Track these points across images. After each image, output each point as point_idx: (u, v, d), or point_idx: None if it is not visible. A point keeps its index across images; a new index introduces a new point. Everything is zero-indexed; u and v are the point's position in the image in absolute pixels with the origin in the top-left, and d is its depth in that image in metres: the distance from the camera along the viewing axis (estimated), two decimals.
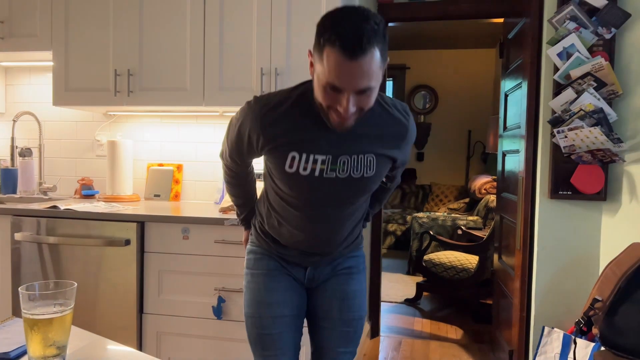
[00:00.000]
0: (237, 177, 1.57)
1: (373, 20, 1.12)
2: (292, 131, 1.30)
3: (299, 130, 1.30)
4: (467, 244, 4.24)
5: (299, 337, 1.54)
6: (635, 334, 1.92)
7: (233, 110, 2.64)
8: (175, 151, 2.87)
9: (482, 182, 5.48)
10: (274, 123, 1.30)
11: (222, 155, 1.56)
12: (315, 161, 1.30)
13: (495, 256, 3.28)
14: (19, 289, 0.95)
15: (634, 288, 1.96)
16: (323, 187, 1.34)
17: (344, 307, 1.54)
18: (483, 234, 4.31)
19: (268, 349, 1.48)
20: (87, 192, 2.80)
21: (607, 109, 2.22)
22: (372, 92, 1.18)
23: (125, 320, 2.22)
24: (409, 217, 6.07)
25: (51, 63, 2.58)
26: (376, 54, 1.12)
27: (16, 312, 2.30)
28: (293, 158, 1.30)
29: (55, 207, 2.32)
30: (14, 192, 2.90)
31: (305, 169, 1.31)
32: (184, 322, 2.19)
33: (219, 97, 2.40)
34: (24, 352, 1.01)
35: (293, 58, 2.32)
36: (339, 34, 1.09)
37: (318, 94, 1.21)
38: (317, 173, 1.31)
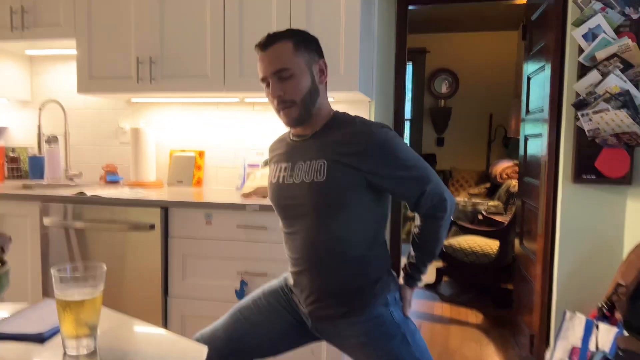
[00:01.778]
0: None
1: (286, 29, 1.39)
2: (276, 149, 1.54)
3: (279, 148, 1.53)
4: (488, 229, 4.22)
5: (255, 342, 1.51)
6: None
7: (253, 96, 2.66)
8: (197, 138, 2.90)
9: (503, 166, 5.42)
10: (271, 148, 1.60)
11: None
12: (280, 169, 1.47)
13: (517, 241, 3.26)
14: (52, 269, 0.98)
15: None
16: (285, 194, 1.44)
17: None
18: (504, 219, 4.28)
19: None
20: (111, 178, 2.86)
21: (633, 91, 2.17)
22: (293, 78, 1.35)
23: (150, 303, 2.28)
24: None
25: (75, 52, 2.63)
26: (287, 44, 1.34)
27: (46, 294, 2.38)
28: (271, 170, 1.52)
29: (82, 193, 2.38)
30: (42, 178, 2.97)
31: (275, 177, 1.48)
32: (208, 305, 2.23)
33: (240, 83, 2.41)
34: (57, 332, 1.05)
35: None
36: (258, 42, 1.39)
37: (271, 104, 1.42)
38: (280, 180, 1.45)
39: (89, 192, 2.39)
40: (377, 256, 1.44)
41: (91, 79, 2.61)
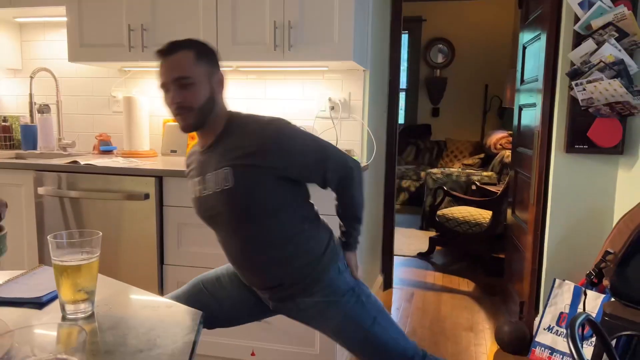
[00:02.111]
0: None
1: (188, 39, 1.41)
2: (190, 164, 1.54)
3: (192, 162, 1.53)
4: (481, 199, 4.26)
5: (216, 305, 1.57)
6: None
7: (247, 65, 2.63)
8: None
9: (497, 137, 5.44)
10: (187, 160, 1.58)
11: None
12: (194, 184, 1.49)
13: (509, 211, 3.30)
14: (48, 237, 1.00)
15: None
16: (205, 206, 1.47)
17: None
18: (497, 189, 4.31)
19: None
20: (105, 147, 2.85)
21: (628, 60, 2.17)
22: (193, 87, 1.36)
23: (146, 271, 2.30)
24: (422, 173, 6.07)
25: (65, 18, 2.58)
26: (188, 53, 1.37)
27: (43, 261, 2.40)
28: (189, 185, 1.52)
29: (75, 162, 2.37)
30: (34, 148, 2.96)
31: (193, 192, 1.50)
32: (203, 272, 2.26)
33: (233, 51, 2.39)
34: (55, 297, 1.07)
35: (307, 11, 2.29)
36: (159, 49, 1.39)
37: (166, 107, 1.42)
38: (197, 194, 1.47)
39: (83, 162, 2.38)
40: (313, 233, 1.48)
41: (82, 47, 2.58)
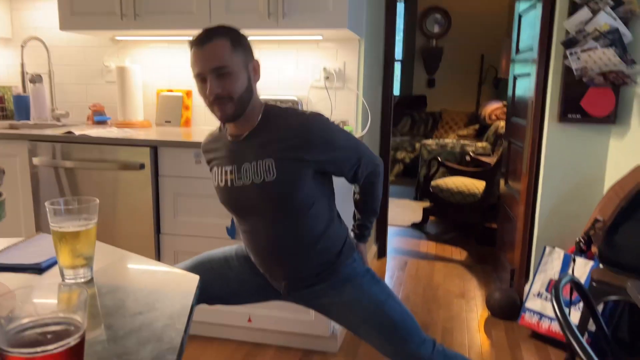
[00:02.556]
0: None
1: (223, 26, 1.39)
2: (214, 151, 1.51)
3: (217, 150, 1.50)
4: (475, 169, 4.29)
5: (218, 284, 1.59)
6: (633, 252, 1.99)
7: None
8: (184, 77, 2.86)
9: (492, 108, 5.44)
10: (205, 149, 1.56)
11: None
12: (225, 172, 1.45)
13: (502, 181, 3.33)
14: (46, 203, 1.01)
15: (635, 208, 2.01)
16: (237, 196, 1.45)
17: (352, 322, 1.51)
18: (491, 160, 4.34)
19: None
20: (99, 118, 2.84)
21: (622, 29, 2.17)
22: (232, 76, 1.35)
23: (143, 241, 2.33)
24: (417, 145, 6.09)
25: None
26: (224, 42, 1.34)
27: (39, 230, 2.41)
28: (215, 173, 1.50)
29: (70, 132, 2.37)
30: (28, 118, 2.94)
31: (221, 180, 1.47)
32: (200, 241, 2.29)
33: (226, 19, 2.36)
34: (54, 263, 1.09)
35: None
36: (193, 37, 1.38)
37: (201, 97, 1.40)
38: (229, 183, 1.45)
39: (77, 132, 2.38)
40: (336, 227, 1.52)
41: (73, 15, 2.54)
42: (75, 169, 2.36)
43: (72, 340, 0.58)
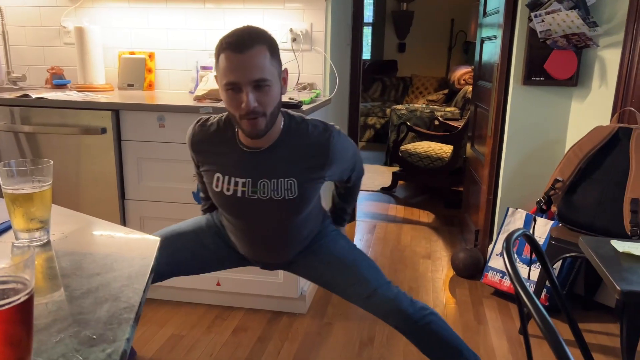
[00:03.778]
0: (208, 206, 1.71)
1: (259, 29, 1.28)
2: (215, 154, 1.42)
3: (222, 154, 1.40)
4: (443, 133, 4.33)
5: (188, 254, 1.59)
6: (589, 211, 2.06)
7: None
8: (146, 39, 2.77)
9: (461, 72, 5.46)
10: (199, 147, 1.44)
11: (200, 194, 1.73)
12: (236, 183, 1.39)
13: (468, 145, 3.38)
14: None
15: (593, 168, 2.07)
16: (248, 207, 1.42)
17: (334, 274, 1.55)
18: (459, 124, 4.39)
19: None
20: (58, 81, 2.74)
21: None
22: (270, 89, 1.25)
23: (108, 206, 2.30)
24: (388, 110, 6.10)
25: None
26: (264, 50, 1.23)
27: None
28: (217, 179, 1.41)
29: (26, 95, 2.29)
30: None
31: (228, 190, 1.40)
32: (166, 206, 2.27)
33: None
34: (9, 227, 1.06)
35: None
36: (227, 38, 1.25)
37: (227, 106, 1.29)
38: (239, 194, 1.40)
39: (35, 95, 2.30)
40: (322, 212, 1.64)
41: None
42: (35, 134, 2.28)
43: (20, 297, 0.57)
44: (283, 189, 1.37)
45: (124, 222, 2.32)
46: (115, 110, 2.21)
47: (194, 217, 1.69)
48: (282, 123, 1.38)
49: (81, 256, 0.98)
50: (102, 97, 2.36)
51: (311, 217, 1.54)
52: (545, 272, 1.15)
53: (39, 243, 1.01)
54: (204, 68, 2.56)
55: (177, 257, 1.56)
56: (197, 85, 2.60)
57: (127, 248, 1.05)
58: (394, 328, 1.48)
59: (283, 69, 1.34)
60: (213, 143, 1.43)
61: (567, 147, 2.51)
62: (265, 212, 1.44)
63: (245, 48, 1.22)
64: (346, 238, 1.65)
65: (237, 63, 1.22)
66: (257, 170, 1.38)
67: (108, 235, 1.13)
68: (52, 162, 1.03)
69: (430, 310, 1.48)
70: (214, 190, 1.45)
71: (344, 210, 1.76)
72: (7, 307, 0.56)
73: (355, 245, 1.62)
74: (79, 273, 0.90)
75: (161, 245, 1.04)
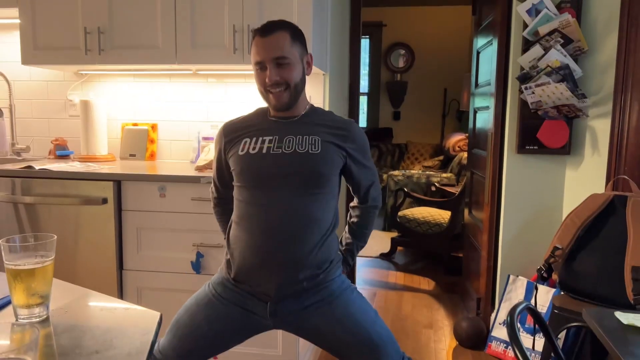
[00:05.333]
0: (221, 206, 1.69)
1: (284, 20, 1.51)
2: (245, 128, 1.56)
3: (252, 125, 1.56)
4: (440, 199, 4.36)
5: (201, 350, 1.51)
6: (590, 279, 2.05)
7: (206, 69, 2.63)
8: (150, 110, 2.86)
9: (456, 139, 5.58)
10: (231, 129, 1.58)
11: (211, 191, 1.72)
12: (263, 141, 1.50)
13: (466, 211, 3.40)
14: (0, 241, 0.99)
15: (591, 236, 2.08)
16: (269, 163, 1.47)
17: (340, 336, 1.47)
18: (456, 190, 4.43)
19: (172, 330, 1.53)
20: (61, 152, 2.79)
21: (572, 65, 2.28)
22: (291, 66, 1.47)
23: (105, 277, 2.27)
24: (385, 176, 6.17)
25: (18, 20, 2.52)
26: (286, 34, 1.46)
27: None
28: (245, 143, 1.52)
29: (30, 167, 2.32)
30: None
31: (254, 148, 1.49)
32: (164, 277, 2.25)
33: (192, 54, 2.39)
34: (9, 302, 1.05)
35: (265, 15, 2.31)
36: (258, 27, 1.50)
37: (257, 83, 1.51)
38: (264, 150, 1.48)
39: (38, 167, 2.33)
40: (335, 237, 1.57)
41: (36, 50, 2.52)
42: (35, 205, 2.30)
43: None
44: (308, 143, 1.47)
45: (121, 293, 2.29)
46: (117, 181, 2.24)
47: (190, 303, 1.58)
48: (308, 106, 1.59)
49: (80, 332, 0.96)
50: (104, 168, 2.40)
51: (328, 216, 1.48)
52: (550, 345, 1.13)
53: (38, 319, 0.99)
54: (205, 139, 2.62)
55: (197, 349, 1.50)
56: (198, 156, 2.65)
57: (128, 322, 1.03)
58: None
59: (309, 57, 1.56)
60: (244, 124, 1.58)
61: (564, 214, 2.53)
62: (286, 169, 1.44)
63: (269, 32, 1.46)
64: (366, 300, 1.56)
65: (262, 45, 1.46)
66: (283, 131, 1.51)
67: (108, 309, 1.12)
68: (55, 237, 1.04)
69: None
70: (239, 156, 1.50)
71: (350, 250, 1.68)
72: None
73: (376, 310, 1.54)
74: (77, 351, 0.88)
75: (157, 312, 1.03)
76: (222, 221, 1.70)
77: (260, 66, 1.48)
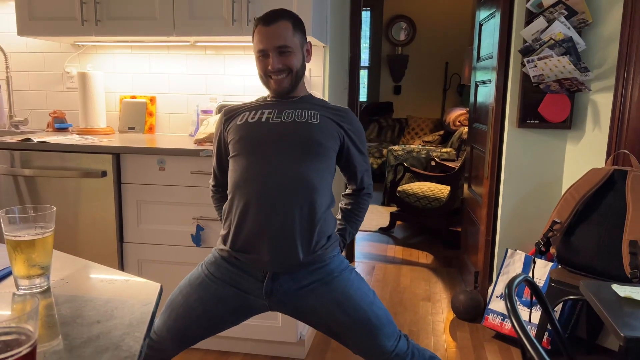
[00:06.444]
0: (220, 193, 1.69)
1: (285, 9, 1.55)
2: (245, 108, 1.60)
3: (252, 105, 1.61)
4: (440, 174, 4.36)
5: (196, 329, 1.52)
6: (588, 253, 2.06)
7: (205, 40, 2.60)
8: (148, 83, 2.83)
9: (456, 114, 5.55)
10: (231, 109, 1.62)
11: (210, 183, 1.73)
12: (262, 112, 1.55)
13: (466, 185, 3.40)
14: (0, 212, 0.98)
15: (590, 210, 2.08)
16: (268, 130, 1.50)
17: (340, 315, 1.46)
18: (456, 165, 4.43)
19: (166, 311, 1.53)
20: (60, 125, 2.77)
21: (576, 37, 2.25)
22: (292, 54, 1.51)
23: (106, 249, 2.29)
24: (384, 151, 6.16)
25: None
26: (287, 24, 1.51)
27: None
28: (244, 115, 1.57)
29: (28, 139, 2.31)
30: None
31: (253, 117, 1.54)
32: (164, 249, 2.26)
33: (190, 26, 2.35)
34: (9, 273, 1.06)
35: None
36: (260, 16, 1.54)
37: (259, 70, 1.55)
38: (263, 119, 1.53)
39: (36, 139, 2.32)
40: (332, 215, 1.56)
41: (32, 20, 2.48)
42: (35, 177, 2.30)
43: (23, 350, 0.57)
44: (307, 115, 1.53)
45: (121, 265, 2.31)
46: (116, 154, 2.23)
47: (185, 284, 1.56)
48: (307, 92, 1.65)
49: (81, 303, 0.97)
50: (103, 141, 2.39)
51: (325, 192, 1.47)
52: (547, 317, 1.14)
53: (38, 290, 1.00)
54: (204, 112, 2.60)
55: (190, 331, 1.51)
56: (197, 129, 2.63)
57: (128, 294, 1.04)
58: None
59: (308, 46, 1.61)
60: (244, 106, 1.62)
61: (564, 189, 2.53)
62: (284, 136, 1.47)
63: (272, 22, 1.50)
64: (364, 280, 1.55)
65: (264, 34, 1.50)
66: (283, 106, 1.56)
67: (108, 280, 1.13)
68: (54, 208, 1.04)
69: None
70: (238, 126, 1.53)
71: (343, 234, 1.65)
72: (10, 359, 0.55)
73: (374, 291, 1.54)
74: (79, 321, 0.89)
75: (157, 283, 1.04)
76: (221, 208, 1.67)
77: (263, 54, 1.52)
